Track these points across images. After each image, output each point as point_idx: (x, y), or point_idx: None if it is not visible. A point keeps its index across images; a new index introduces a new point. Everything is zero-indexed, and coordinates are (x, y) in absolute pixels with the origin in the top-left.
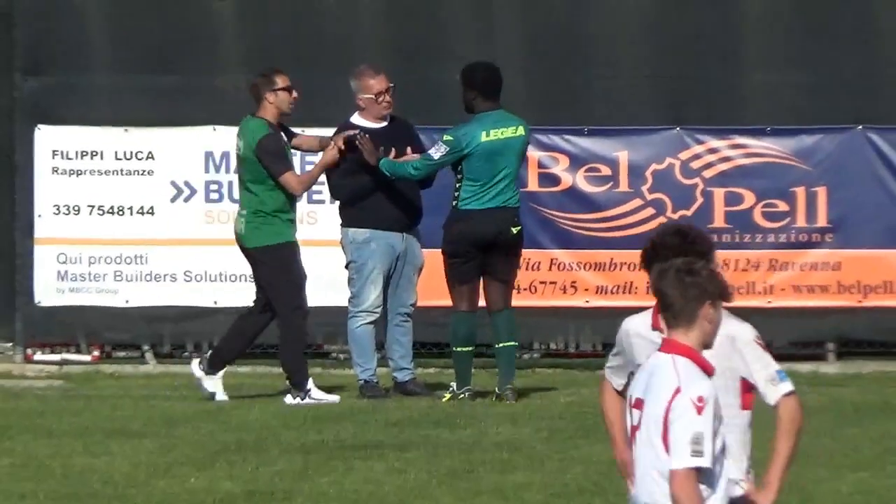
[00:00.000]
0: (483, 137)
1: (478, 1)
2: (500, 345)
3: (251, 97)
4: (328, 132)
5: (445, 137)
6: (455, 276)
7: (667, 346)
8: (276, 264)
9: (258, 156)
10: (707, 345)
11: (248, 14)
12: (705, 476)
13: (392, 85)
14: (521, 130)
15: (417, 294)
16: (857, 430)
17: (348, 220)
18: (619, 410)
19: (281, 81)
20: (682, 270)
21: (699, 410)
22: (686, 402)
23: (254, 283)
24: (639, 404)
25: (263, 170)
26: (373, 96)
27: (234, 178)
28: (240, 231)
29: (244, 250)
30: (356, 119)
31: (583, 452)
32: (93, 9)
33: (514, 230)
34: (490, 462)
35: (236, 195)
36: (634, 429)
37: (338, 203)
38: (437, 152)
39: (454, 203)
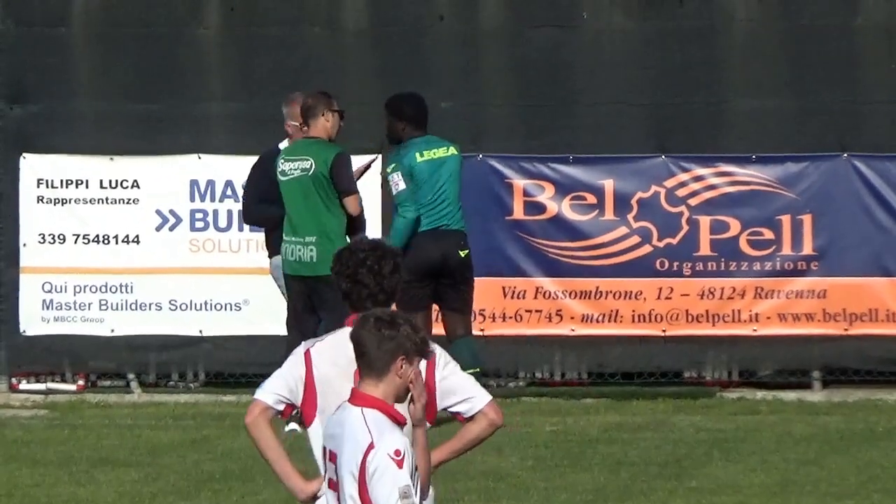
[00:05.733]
0: (418, 158)
1: (463, 30)
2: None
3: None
4: None
5: (391, 168)
6: (405, 301)
7: (355, 399)
8: None
9: (334, 171)
10: (399, 399)
11: (233, 42)
12: None
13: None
14: (452, 150)
15: None
16: (843, 459)
17: (275, 249)
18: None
19: (336, 104)
20: (382, 321)
21: (399, 464)
22: (383, 458)
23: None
24: (333, 458)
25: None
26: (298, 124)
27: (220, 206)
28: (307, 259)
29: (306, 278)
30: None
31: (568, 481)
32: (77, 37)
33: (462, 253)
34: (475, 491)
35: (221, 223)
36: (333, 483)
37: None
38: (398, 185)
39: None
